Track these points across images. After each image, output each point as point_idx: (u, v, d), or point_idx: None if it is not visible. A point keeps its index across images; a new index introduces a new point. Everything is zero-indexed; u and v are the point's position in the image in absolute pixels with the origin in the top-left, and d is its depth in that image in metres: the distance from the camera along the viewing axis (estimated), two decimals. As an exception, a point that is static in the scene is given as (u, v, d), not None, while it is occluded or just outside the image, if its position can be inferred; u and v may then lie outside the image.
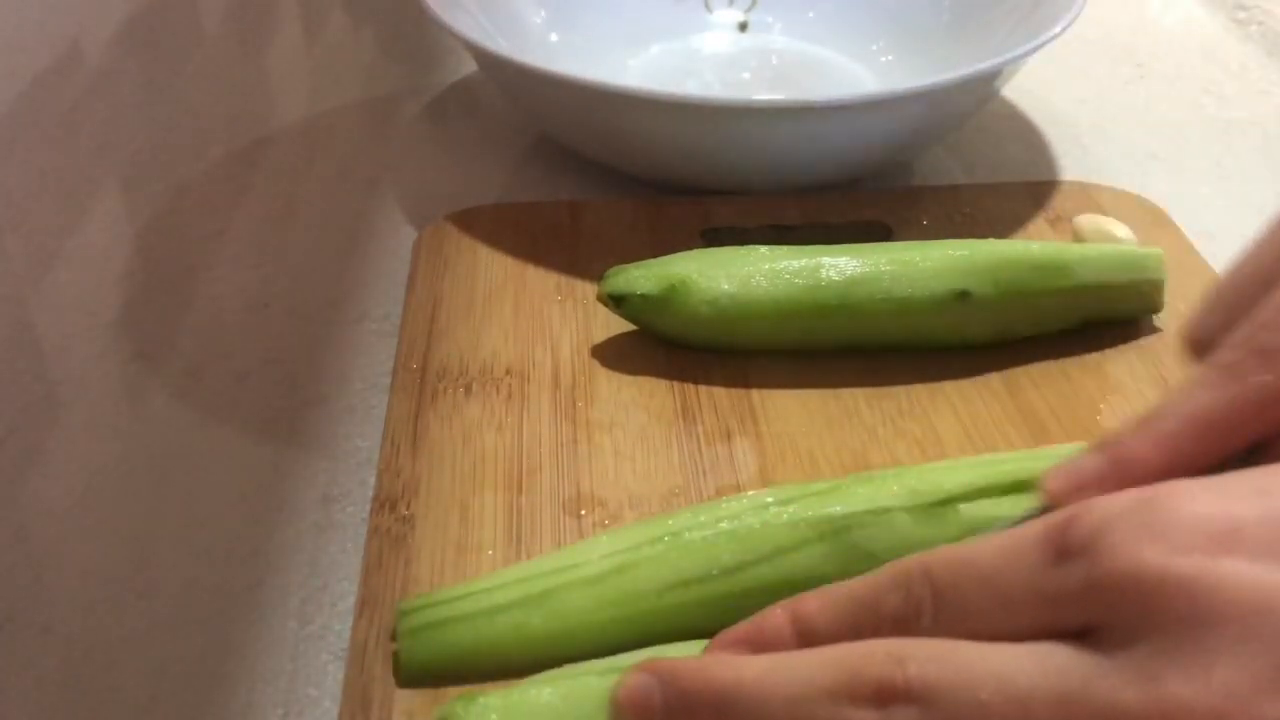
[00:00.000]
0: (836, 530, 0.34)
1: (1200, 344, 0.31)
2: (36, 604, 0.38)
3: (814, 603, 0.29)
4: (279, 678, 0.36)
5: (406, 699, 0.33)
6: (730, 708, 0.27)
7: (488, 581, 0.34)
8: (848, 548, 0.34)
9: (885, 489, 0.35)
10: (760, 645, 0.29)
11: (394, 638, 0.34)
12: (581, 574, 0.34)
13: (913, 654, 0.25)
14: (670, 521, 0.35)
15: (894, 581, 0.27)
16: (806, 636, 0.28)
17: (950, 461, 0.37)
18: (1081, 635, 0.24)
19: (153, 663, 0.36)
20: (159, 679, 0.35)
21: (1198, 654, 0.23)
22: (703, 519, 0.35)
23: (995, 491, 0.36)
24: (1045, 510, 0.28)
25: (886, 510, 0.35)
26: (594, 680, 0.30)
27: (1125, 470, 0.29)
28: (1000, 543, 0.26)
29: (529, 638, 0.33)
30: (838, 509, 0.35)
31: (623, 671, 0.29)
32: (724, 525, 0.34)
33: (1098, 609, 0.24)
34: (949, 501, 0.35)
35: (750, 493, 0.36)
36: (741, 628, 0.30)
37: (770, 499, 0.35)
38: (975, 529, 0.34)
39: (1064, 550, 0.25)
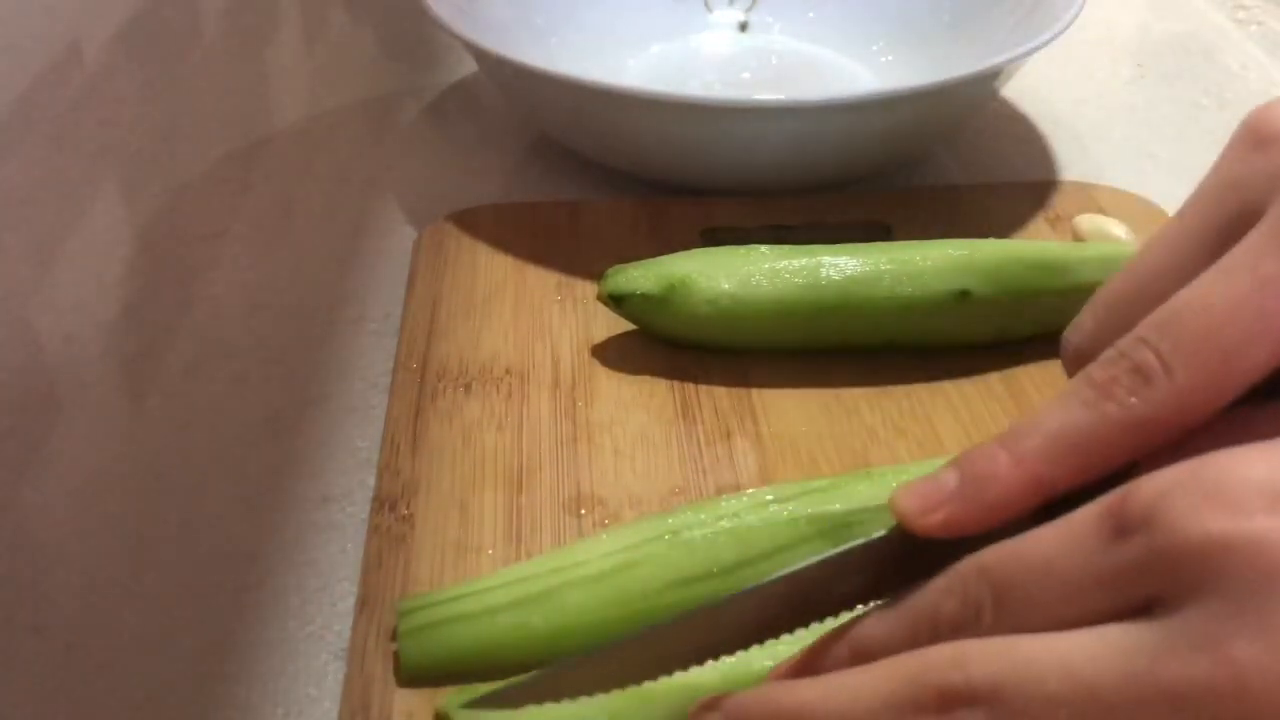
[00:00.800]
0: (836, 527, 0.34)
1: (1079, 354, 0.30)
2: (36, 604, 0.38)
3: (870, 621, 0.28)
4: (279, 678, 0.36)
5: (406, 699, 0.33)
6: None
7: (488, 581, 0.34)
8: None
9: (885, 486, 0.35)
10: (818, 670, 0.28)
11: (394, 638, 0.34)
12: (582, 573, 0.34)
13: (973, 655, 0.25)
14: (670, 520, 0.35)
15: (949, 586, 0.27)
16: (864, 656, 0.27)
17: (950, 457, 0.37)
18: (1143, 612, 0.24)
19: (153, 663, 0.36)
20: (159, 679, 0.35)
21: (1264, 613, 0.22)
22: (703, 517, 0.35)
23: None
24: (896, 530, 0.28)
25: (886, 508, 0.34)
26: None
27: (981, 490, 0.27)
28: (1055, 530, 0.26)
29: (530, 637, 0.33)
30: (837, 506, 0.35)
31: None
32: (724, 523, 0.34)
33: (1161, 580, 0.24)
34: None
35: (750, 491, 0.36)
36: (799, 655, 0.29)
37: (770, 496, 0.35)
38: None
39: (1122, 527, 0.24)
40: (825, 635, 0.29)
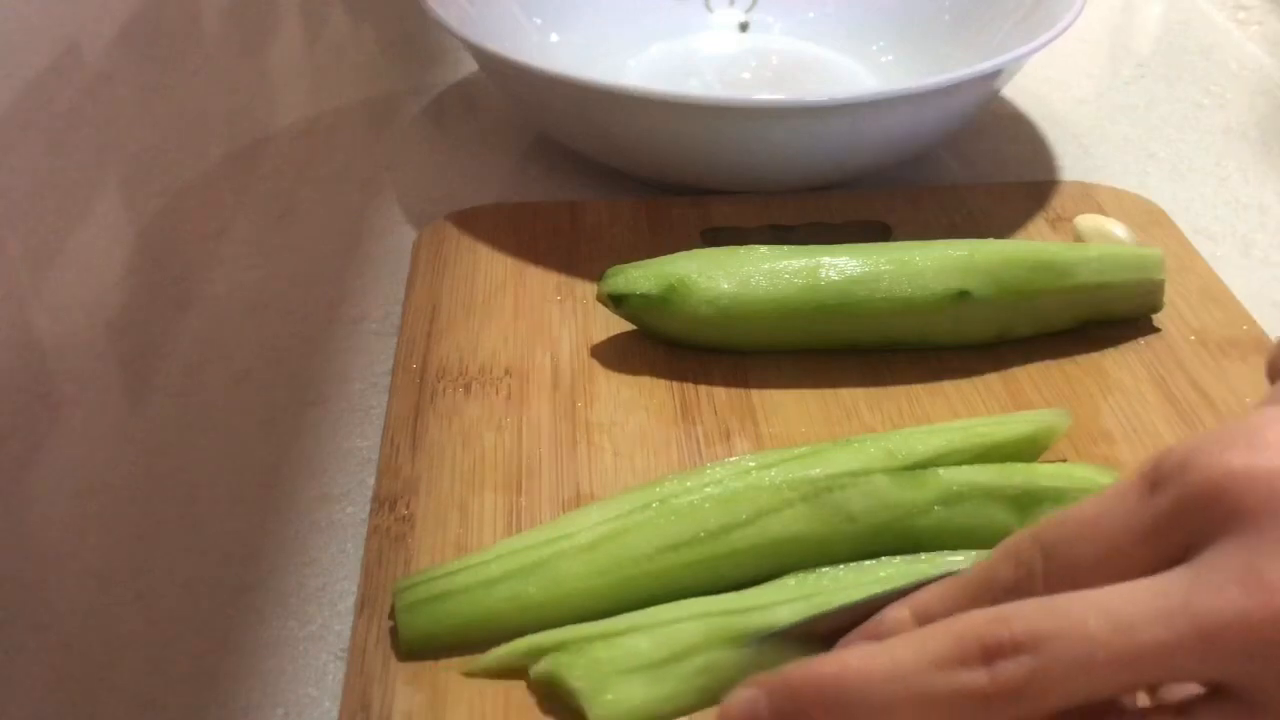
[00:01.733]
0: (818, 492, 0.35)
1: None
2: (36, 604, 0.38)
3: (930, 591, 0.29)
4: (279, 678, 0.36)
5: (406, 698, 0.33)
6: (837, 694, 0.26)
7: (482, 555, 0.35)
8: (829, 509, 0.35)
9: (864, 452, 0.37)
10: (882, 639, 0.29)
11: (392, 615, 0.34)
12: (574, 542, 0.35)
13: (1017, 611, 0.25)
14: (658, 488, 0.36)
15: (1005, 554, 0.28)
16: (925, 623, 0.28)
17: (928, 426, 0.39)
18: (1180, 561, 0.25)
19: (153, 663, 0.36)
20: (159, 679, 0.35)
21: None
22: (689, 484, 0.36)
23: (970, 455, 0.37)
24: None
25: (866, 472, 0.36)
26: (687, 626, 0.32)
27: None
28: (1100, 495, 0.27)
29: (525, 606, 0.34)
30: (818, 471, 0.36)
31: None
32: (709, 490, 0.36)
33: (1193, 522, 0.25)
34: (926, 464, 0.37)
35: (733, 458, 0.38)
36: (864, 627, 0.30)
37: (753, 463, 0.37)
38: (953, 491, 0.35)
39: (1156, 481, 0.26)
40: (891, 605, 0.30)
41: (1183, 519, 0.25)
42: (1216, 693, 0.25)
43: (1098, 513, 0.27)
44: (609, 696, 0.32)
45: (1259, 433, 0.25)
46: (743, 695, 0.28)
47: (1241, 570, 0.24)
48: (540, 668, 0.33)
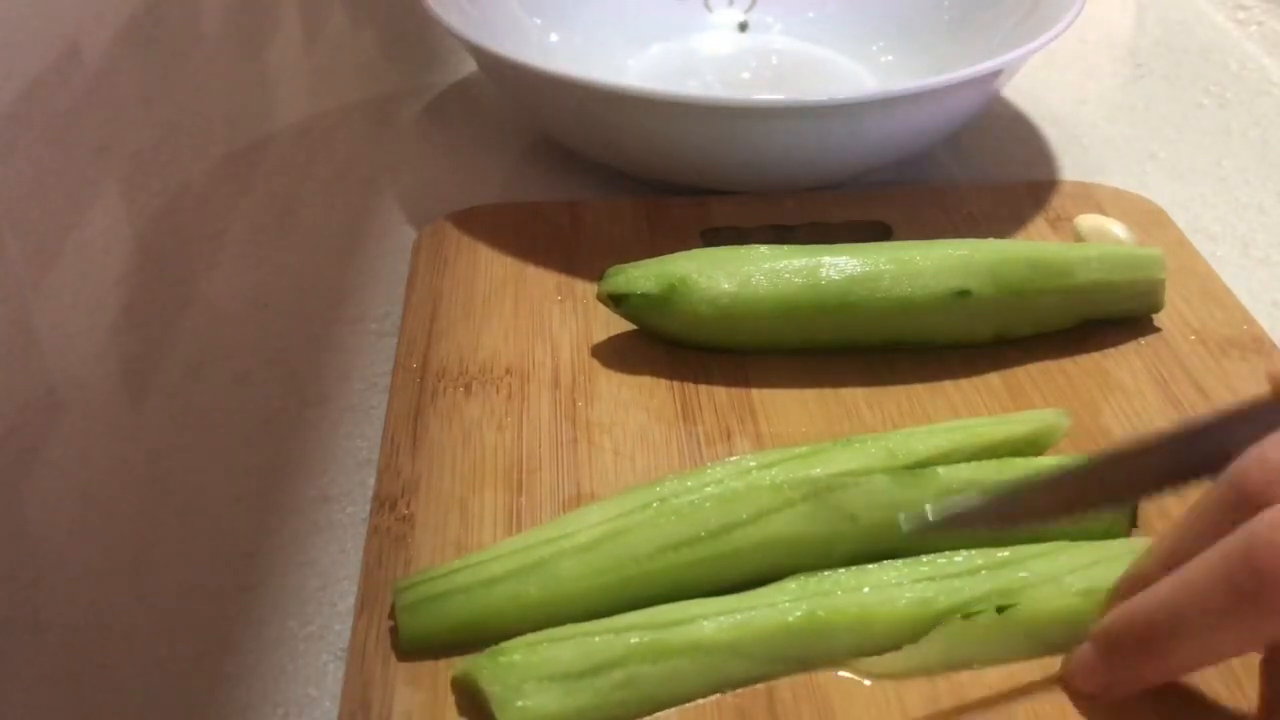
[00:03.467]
0: (818, 492, 0.35)
1: None
2: (36, 604, 0.38)
3: (1169, 534, 0.31)
4: (279, 678, 0.36)
5: (406, 699, 0.33)
6: (1148, 627, 0.29)
7: (483, 555, 0.35)
8: (829, 508, 0.35)
9: (865, 452, 0.37)
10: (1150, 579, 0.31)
11: (392, 614, 0.34)
12: (574, 542, 0.35)
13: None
14: (658, 488, 0.36)
15: (1230, 477, 0.29)
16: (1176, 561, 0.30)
17: (928, 426, 0.39)
18: None
19: (152, 663, 0.36)
20: (159, 679, 0.35)
21: None
22: (689, 484, 0.36)
23: (971, 455, 0.38)
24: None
25: (867, 472, 0.36)
26: (611, 639, 0.32)
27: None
28: None
29: (525, 605, 0.34)
30: (819, 471, 0.36)
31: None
32: (710, 489, 0.36)
33: None
34: (927, 464, 0.37)
35: (734, 458, 0.38)
36: (1119, 588, 0.32)
37: (754, 463, 0.37)
38: (953, 490, 0.36)
39: None
40: (1144, 552, 0.32)
41: None
42: None
43: None
44: (520, 703, 0.31)
45: None
46: (1075, 656, 0.31)
47: None
48: (458, 669, 0.33)
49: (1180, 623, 0.29)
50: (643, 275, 0.44)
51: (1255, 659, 0.31)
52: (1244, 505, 0.28)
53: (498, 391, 0.43)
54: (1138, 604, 0.30)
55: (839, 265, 0.43)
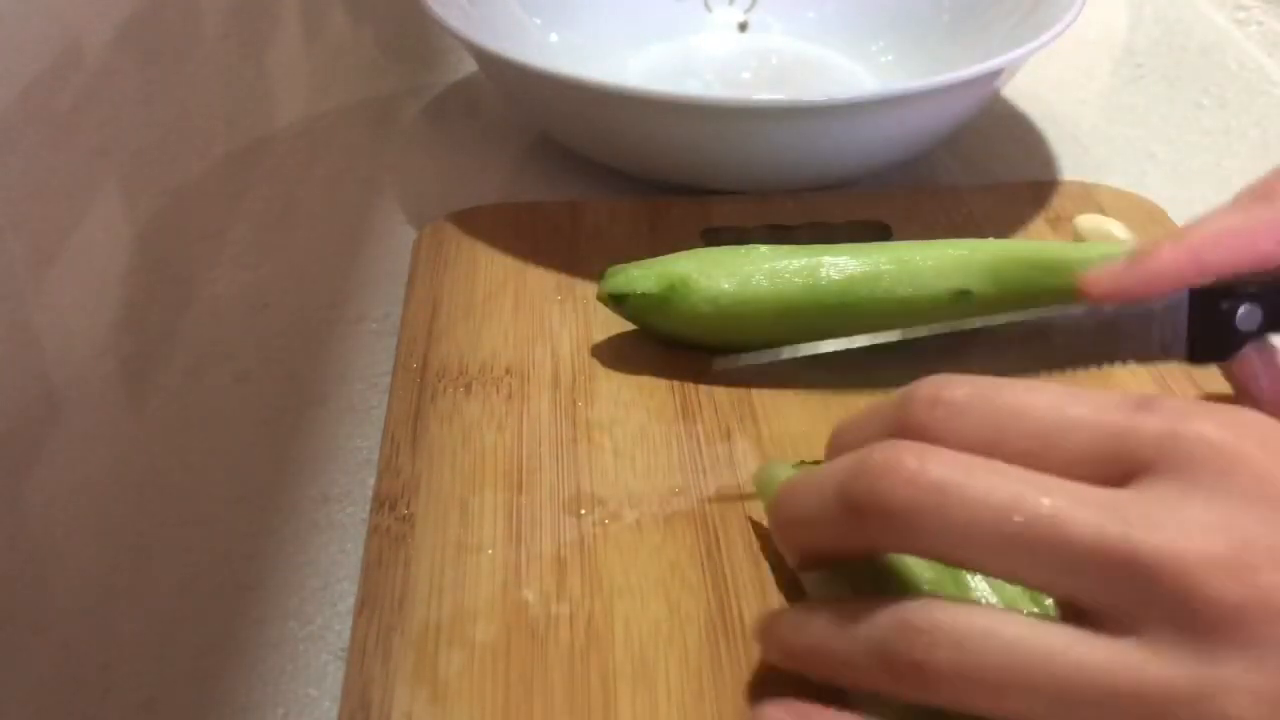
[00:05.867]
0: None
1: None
2: (36, 604, 0.38)
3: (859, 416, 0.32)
4: (279, 678, 0.36)
5: (406, 698, 0.33)
6: (789, 504, 0.31)
7: None
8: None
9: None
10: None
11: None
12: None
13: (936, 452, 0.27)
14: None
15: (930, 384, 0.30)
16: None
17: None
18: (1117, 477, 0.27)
19: (152, 663, 0.36)
20: (159, 679, 0.35)
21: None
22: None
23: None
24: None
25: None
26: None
27: (1145, 262, 0.35)
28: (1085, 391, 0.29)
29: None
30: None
31: None
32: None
33: (1161, 451, 0.26)
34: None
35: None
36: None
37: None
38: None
39: (1151, 406, 0.27)
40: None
41: (1158, 444, 0.26)
42: (1089, 619, 0.26)
43: (1072, 393, 0.28)
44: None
45: (1266, 430, 0.27)
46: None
47: (1205, 515, 0.25)
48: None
49: (804, 512, 0.30)
50: (643, 275, 0.44)
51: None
52: (897, 428, 0.29)
53: (498, 391, 0.43)
54: (791, 486, 0.31)
55: (839, 265, 0.43)
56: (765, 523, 0.36)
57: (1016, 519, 0.25)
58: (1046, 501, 0.26)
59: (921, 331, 0.38)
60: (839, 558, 0.30)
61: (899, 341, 0.44)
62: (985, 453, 0.27)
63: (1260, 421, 0.27)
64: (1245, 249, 0.34)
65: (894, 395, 0.30)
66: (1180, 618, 0.24)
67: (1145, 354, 0.37)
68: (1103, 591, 0.25)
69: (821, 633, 0.29)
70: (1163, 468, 0.26)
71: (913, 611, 0.27)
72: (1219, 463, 0.26)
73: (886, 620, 0.27)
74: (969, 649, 0.26)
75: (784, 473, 0.36)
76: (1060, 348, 0.37)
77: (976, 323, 0.37)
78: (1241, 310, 0.36)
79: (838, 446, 0.32)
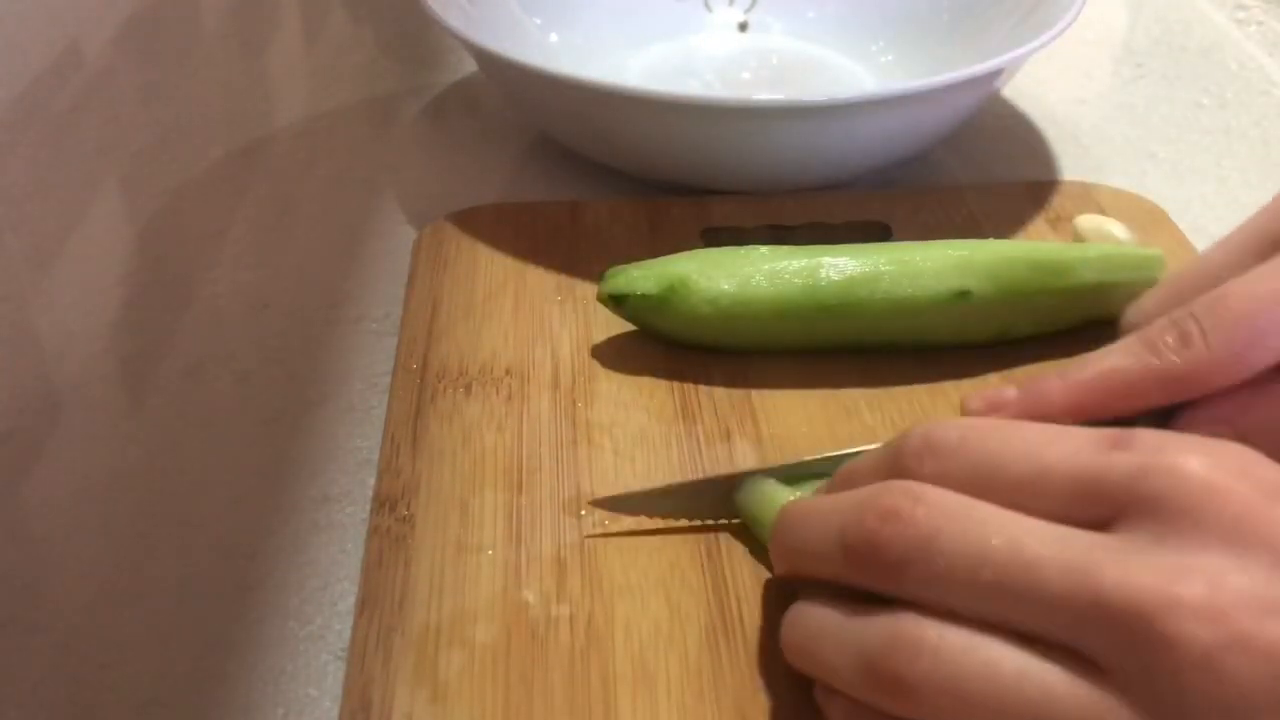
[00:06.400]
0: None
1: (1135, 326, 0.36)
2: (36, 604, 0.38)
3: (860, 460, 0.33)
4: (279, 678, 0.36)
5: (406, 698, 0.33)
6: (793, 531, 0.32)
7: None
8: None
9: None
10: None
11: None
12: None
13: (920, 491, 0.28)
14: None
15: (917, 433, 0.31)
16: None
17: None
18: (1094, 524, 0.27)
19: (152, 663, 0.36)
20: (159, 679, 0.35)
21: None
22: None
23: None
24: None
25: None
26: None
27: (1033, 404, 0.34)
28: (1058, 429, 0.29)
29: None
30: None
31: None
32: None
33: (1136, 495, 0.26)
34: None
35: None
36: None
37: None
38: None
39: (1126, 443, 0.27)
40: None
41: (1130, 485, 0.26)
42: (1068, 655, 0.26)
43: (1052, 432, 0.29)
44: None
45: (1246, 460, 0.27)
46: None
47: (1175, 559, 0.25)
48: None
49: (806, 545, 0.31)
50: (643, 275, 0.44)
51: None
52: (892, 470, 0.30)
53: (498, 392, 0.43)
54: (794, 515, 0.32)
55: (839, 265, 0.43)
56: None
57: (987, 571, 0.26)
58: (1020, 549, 0.26)
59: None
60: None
61: (898, 342, 0.44)
62: (976, 497, 0.28)
63: (1240, 453, 0.27)
64: (1129, 401, 0.33)
65: (888, 444, 0.31)
66: (1151, 662, 0.24)
67: None
68: (1077, 636, 0.25)
69: (813, 633, 0.30)
70: (1138, 509, 0.26)
71: (903, 623, 0.27)
72: (1194, 499, 0.26)
73: (876, 629, 0.28)
74: (946, 664, 0.26)
75: (772, 492, 0.37)
76: None
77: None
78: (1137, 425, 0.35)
79: (840, 488, 0.33)
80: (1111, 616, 0.25)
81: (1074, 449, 0.28)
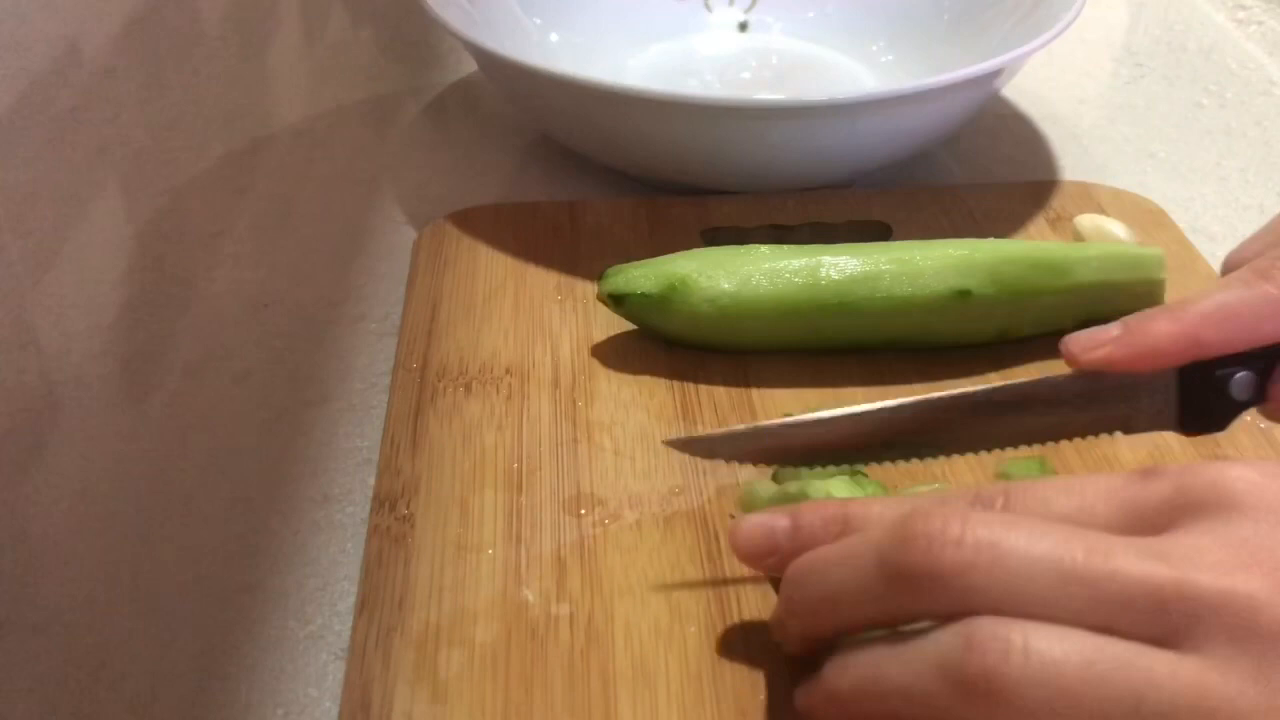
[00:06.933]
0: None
1: (1241, 261, 0.35)
2: (36, 604, 0.38)
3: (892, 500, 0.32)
4: (279, 678, 0.36)
5: (406, 698, 0.33)
6: (804, 569, 0.31)
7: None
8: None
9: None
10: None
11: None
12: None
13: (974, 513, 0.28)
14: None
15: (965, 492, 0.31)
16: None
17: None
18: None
19: (152, 663, 0.36)
20: (159, 679, 0.35)
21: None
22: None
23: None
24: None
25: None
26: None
27: (1139, 336, 0.33)
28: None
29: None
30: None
31: None
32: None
33: (1182, 503, 0.27)
34: None
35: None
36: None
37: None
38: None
39: (1153, 473, 0.28)
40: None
41: (1174, 498, 0.27)
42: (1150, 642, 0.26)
43: (1080, 480, 0.29)
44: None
45: (1251, 462, 0.29)
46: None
47: (1237, 544, 0.26)
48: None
49: (834, 588, 0.30)
50: (643, 275, 0.44)
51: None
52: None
53: (498, 391, 0.43)
54: (809, 565, 0.31)
55: (839, 265, 0.43)
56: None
57: (1061, 565, 0.26)
58: (1091, 544, 0.26)
59: (898, 406, 0.36)
60: (859, 630, 0.30)
61: (898, 342, 0.44)
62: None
63: (1262, 464, 0.28)
64: (1245, 330, 0.33)
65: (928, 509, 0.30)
66: (1240, 639, 0.25)
67: (1132, 424, 0.35)
68: (1158, 621, 0.26)
69: (871, 664, 0.28)
70: (1185, 514, 0.27)
71: (980, 626, 0.26)
72: (1239, 494, 0.27)
73: (949, 641, 0.27)
74: (1040, 657, 0.25)
75: (767, 491, 0.37)
76: (1041, 417, 0.35)
77: (955, 392, 0.35)
78: (1236, 378, 0.34)
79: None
80: (1200, 602, 0.25)
81: (1108, 488, 0.29)
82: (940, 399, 0.35)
